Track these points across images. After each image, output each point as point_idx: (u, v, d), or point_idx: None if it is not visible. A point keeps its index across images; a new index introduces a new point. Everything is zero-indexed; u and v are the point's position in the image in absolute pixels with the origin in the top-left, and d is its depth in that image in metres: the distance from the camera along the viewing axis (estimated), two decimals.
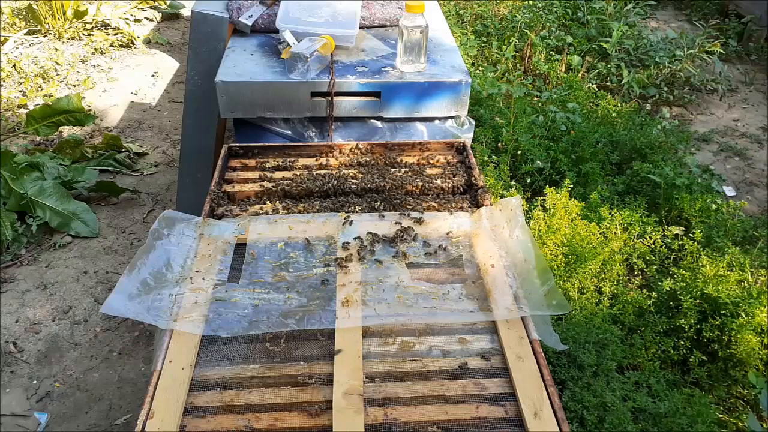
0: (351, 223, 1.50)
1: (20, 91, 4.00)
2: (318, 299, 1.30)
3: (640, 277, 2.51)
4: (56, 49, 4.48)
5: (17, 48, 4.49)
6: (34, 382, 2.20)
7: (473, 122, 2.10)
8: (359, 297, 1.30)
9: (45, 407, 2.12)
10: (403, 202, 1.59)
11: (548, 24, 4.49)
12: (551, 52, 4.22)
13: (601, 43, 4.28)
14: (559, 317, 2.17)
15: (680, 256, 2.50)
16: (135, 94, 4.14)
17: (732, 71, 4.41)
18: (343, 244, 1.44)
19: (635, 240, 2.51)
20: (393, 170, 1.71)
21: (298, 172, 1.70)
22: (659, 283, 2.28)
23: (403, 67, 2.02)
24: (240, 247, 1.45)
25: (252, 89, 1.97)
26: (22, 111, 3.76)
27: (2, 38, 4.52)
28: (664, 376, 2.02)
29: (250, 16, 2.23)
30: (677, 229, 2.55)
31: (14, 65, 4.22)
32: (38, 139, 3.51)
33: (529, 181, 2.91)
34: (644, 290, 2.36)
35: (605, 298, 2.25)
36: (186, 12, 5.33)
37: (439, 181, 1.66)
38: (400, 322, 1.25)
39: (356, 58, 2.11)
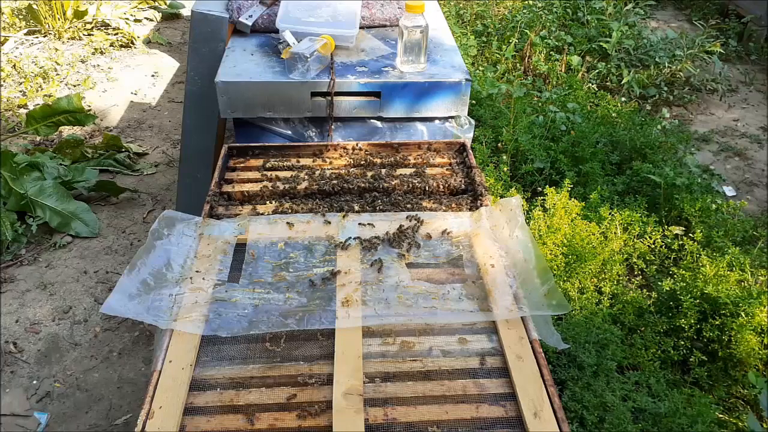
0: (346, 224, 1.50)
1: (20, 91, 4.00)
2: (318, 299, 1.30)
3: (640, 277, 2.51)
4: (56, 49, 4.48)
5: (17, 48, 4.50)
6: (34, 382, 2.20)
7: (473, 122, 2.10)
8: (359, 297, 1.30)
9: (45, 407, 2.12)
10: (403, 202, 1.59)
11: (548, 24, 4.49)
12: (551, 52, 4.22)
13: (601, 43, 4.28)
14: (559, 317, 2.17)
15: (680, 256, 2.50)
16: (135, 94, 4.14)
17: (732, 71, 4.41)
18: (343, 243, 1.44)
19: (635, 240, 2.51)
20: (393, 170, 1.71)
21: (298, 172, 1.70)
22: (659, 283, 2.28)
23: (403, 67, 2.02)
24: (240, 247, 1.45)
25: (252, 89, 1.97)
26: (22, 111, 3.76)
27: (2, 38, 4.52)
28: (664, 376, 2.02)
29: (250, 16, 2.23)
30: (677, 229, 2.55)
31: (14, 65, 4.22)
32: (38, 139, 3.51)
33: (528, 181, 2.91)
34: (644, 290, 2.36)
35: (605, 298, 2.25)
36: (186, 12, 5.33)
37: (439, 181, 1.66)
38: (400, 322, 1.25)
39: (356, 58, 2.11)
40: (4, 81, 4.06)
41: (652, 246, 2.51)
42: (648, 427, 1.82)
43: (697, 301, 2.12)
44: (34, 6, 4.64)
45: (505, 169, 2.83)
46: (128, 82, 4.26)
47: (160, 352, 1.19)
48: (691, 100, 4.06)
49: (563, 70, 4.04)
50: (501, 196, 2.61)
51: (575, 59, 4.06)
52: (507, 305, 1.27)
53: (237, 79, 1.96)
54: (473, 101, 3.35)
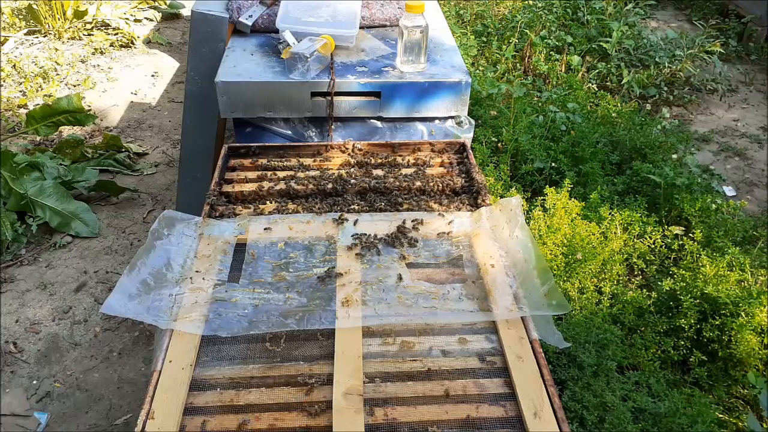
0: (345, 221, 1.51)
1: (20, 91, 4.00)
2: (318, 299, 1.30)
3: (640, 277, 2.51)
4: (56, 49, 4.48)
5: (17, 48, 4.49)
6: (34, 382, 2.20)
7: (473, 122, 2.10)
8: (359, 297, 1.30)
9: (45, 407, 2.12)
10: (403, 202, 1.59)
11: (548, 24, 4.49)
12: (551, 52, 4.22)
13: (601, 43, 4.28)
14: (559, 317, 2.17)
15: (680, 256, 2.50)
16: (135, 94, 4.14)
17: (732, 71, 4.41)
18: (348, 243, 1.44)
19: (635, 240, 2.51)
20: (393, 170, 1.71)
21: (298, 173, 1.70)
22: (659, 283, 2.28)
23: (403, 67, 2.02)
24: (240, 247, 1.45)
25: (252, 89, 1.97)
26: (22, 111, 3.76)
27: (2, 38, 4.52)
28: (664, 376, 2.02)
29: (250, 16, 2.23)
30: (677, 229, 2.55)
31: (14, 65, 4.22)
32: (38, 139, 3.51)
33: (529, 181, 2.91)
34: (644, 290, 2.36)
35: (605, 298, 2.25)
36: (186, 12, 5.33)
37: (439, 181, 1.66)
38: (400, 322, 1.25)
39: (356, 58, 2.11)
40: (4, 81, 4.06)
41: (652, 246, 2.51)
42: (648, 427, 1.82)
43: (697, 301, 2.12)
44: (34, 6, 4.64)
45: (505, 169, 2.83)
46: (128, 82, 4.26)
47: (160, 352, 1.19)
48: (691, 100, 4.06)
49: (563, 70, 4.04)
50: (501, 196, 2.61)
51: (575, 59, 4.06)
52: (507, 305, 1.27)
53: (237, 79, 1.96)
54: (473, 101, 3.35)
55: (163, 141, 3.67)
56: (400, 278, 1.35)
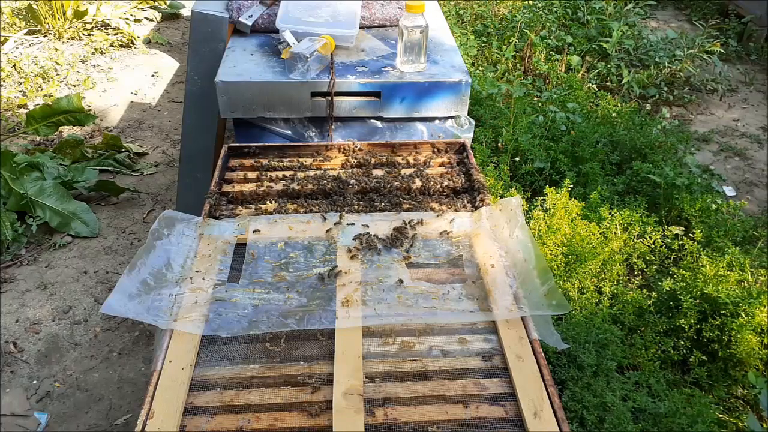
0: (346, 224, 1.51)
1: (20, 91, 4.00)
2: (318, 299, 1.30)
3: (640, 277, 2.51)
4: (56, 49, 4.48)
5: (17, 48, 4.49)
6: (34, 382, 2.20)
7: (473, 122, 2.09)
8: (359, 297, 1.30)
9: (45, 407, 2.12)
10: (403, 202, 1.59)
11: (548, 24, 4.49)
12: (551, 52, 4.22)
13: (601, 43, 4.28)
14: (559, 317, 2.17)
15: (680, 256, 2.50)
16: (135, 94, 4.14)
17: (732, 71, 4.41)
18: (349, 245, 1.44)
19: (635, 240, 2.51)
20: (393, 170, 1.71)
21: (298, 173, 1.70)
22: (659, 283, 2.28)
23: (403, 67, 2.02)
24: (240, 247, 1.45)
25: (252, 89, 1.97)
26: (22, 111, 3.76)
27: (2, 38, 4.52)
28: (664, 376, 2.02)
29: (250, 16, 2.23)
30: (677, 229, 2.55)
31: (14, 65, 4.22)
32: (38, 139, 3.51)
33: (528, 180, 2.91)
34: (644, 290, 2.36)
35: (605, 298, 2.25)
36: (186, 12, 5.33)
37: (438, 181, 1.66)
38: (400, 322, 1.25)
39: (356, 58, 2.11)
40: (4, 81, 4.06)
41: (652, 246, 2.51)
42: (648, 427, 1.82)
43: (697, 301, 2.12)
44: (34, 6, 4.64)
45: (505, 169, 2.83)
46: (128, 82, 4.26)
47: (160, 352, 1.19)
48: (691, 100, 4.06)
49: (563, 70, 4.04)
50: (501, 196, 2.61)
51: (575, 59, 4.06)
52: (507, 305, 1.27)
53: (237, 79, 1.96)
54: (473, 101, 3.35)
55: (163, 141, 3.67)
56: (400, 282, 1.35)
